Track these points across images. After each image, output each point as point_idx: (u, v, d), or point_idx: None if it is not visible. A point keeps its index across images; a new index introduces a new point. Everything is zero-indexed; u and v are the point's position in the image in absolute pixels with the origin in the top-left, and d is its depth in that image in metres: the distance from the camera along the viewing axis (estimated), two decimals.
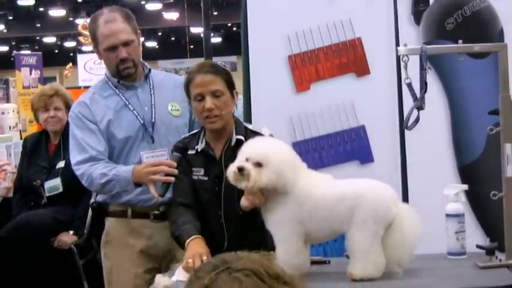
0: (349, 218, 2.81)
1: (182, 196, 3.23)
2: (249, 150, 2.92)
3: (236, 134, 3.22)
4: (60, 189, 4.79)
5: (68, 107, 4.82)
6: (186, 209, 3.20)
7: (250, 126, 3.38)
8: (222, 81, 3.19)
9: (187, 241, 3.06)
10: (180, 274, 2.93)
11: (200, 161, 3.23)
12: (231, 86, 3.23)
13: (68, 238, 4.78)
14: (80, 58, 14.45)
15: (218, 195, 3.19)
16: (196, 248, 3.02)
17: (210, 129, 3.22)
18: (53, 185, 4.82)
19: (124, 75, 3.55)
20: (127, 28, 3.50)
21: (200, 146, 3.23)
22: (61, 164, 4.82)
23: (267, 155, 2.87)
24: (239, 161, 2.91)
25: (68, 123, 4.77)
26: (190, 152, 3.24)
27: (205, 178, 3.20)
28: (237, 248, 3.01)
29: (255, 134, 3.23)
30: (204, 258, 2.92)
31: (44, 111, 4.95)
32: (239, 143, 3.15)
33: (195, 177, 3.22)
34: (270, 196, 2.90)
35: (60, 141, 4.94)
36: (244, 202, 2.95)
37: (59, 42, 32.38)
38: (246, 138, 3.17)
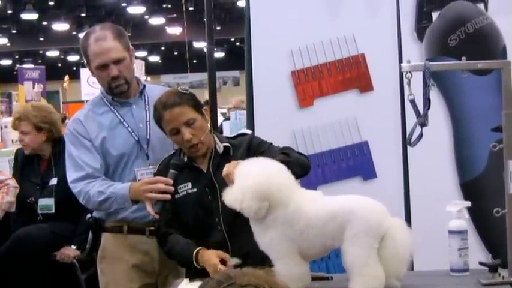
0: (340, 234, 2.80)
1: (167, 225, 3.25)
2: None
3: (221, 143, 3.28)
4: (52, 210, 4.79)
5: (40, 129, 4.81)
6: (174, 236, 3.22)
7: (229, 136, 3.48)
8: (189, 108, 3.20)
9: (195, 251, 3.09)
10: None
11: (185, 176, 3.26)
12: (198, 107, 3.25)
13: (70, 252, 4.78)
14: (83, 72, 14.42)
15: (211, 204, 3.20)
16: (212, 252, 3.06)
17: (196, 156, 3.26)
18: (46, 204, 4.82)
19: (116, 92, 3.54)
20: (117, 46, 3.47)
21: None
22: (54, 181, 4.82)
23: (235, 177, 2.89)
24: None
25: (55, 141, 4.81)
26: None
27: (194, 190, 3.22)
28: (242, 254, 3.03)
29: (237, 137, 3.35)
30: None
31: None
32: (227, 150, 3.25)
33: (183, 193, 3.24)
34: (257, 220, 2.88)
35: (50, 158, 4.92)
36: None
37: (62, 56, 32.47)
38: (232, 145, 3.27)
